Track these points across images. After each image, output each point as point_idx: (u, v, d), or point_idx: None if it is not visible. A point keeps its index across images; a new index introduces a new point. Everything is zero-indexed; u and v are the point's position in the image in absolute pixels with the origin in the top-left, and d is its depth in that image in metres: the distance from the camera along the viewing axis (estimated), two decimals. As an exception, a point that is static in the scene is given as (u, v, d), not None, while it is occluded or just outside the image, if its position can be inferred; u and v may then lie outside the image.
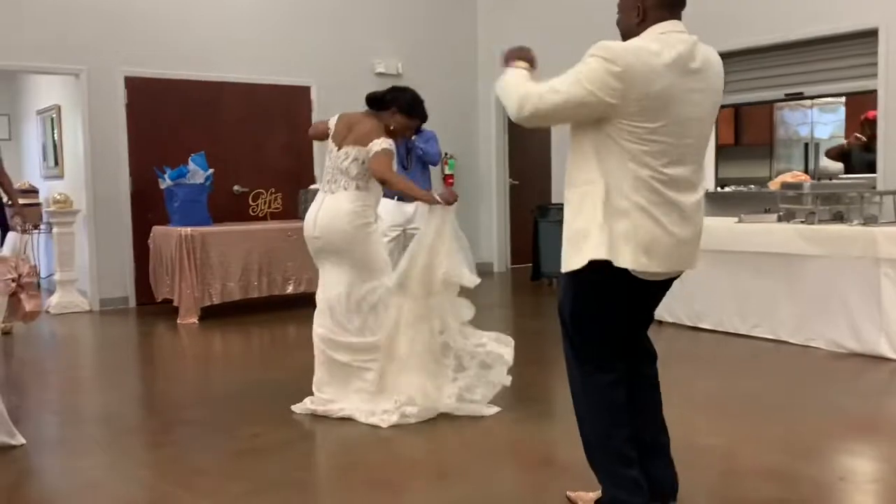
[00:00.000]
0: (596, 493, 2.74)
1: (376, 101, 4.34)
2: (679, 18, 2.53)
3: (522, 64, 2.68)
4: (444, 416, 3.98)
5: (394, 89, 4.39)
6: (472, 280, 4.00)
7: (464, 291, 4.08)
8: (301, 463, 3.44)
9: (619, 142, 2.45)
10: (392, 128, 4.25)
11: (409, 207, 6.74)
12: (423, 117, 4.45)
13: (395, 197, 6.62)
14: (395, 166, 4.22)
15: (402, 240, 6.83)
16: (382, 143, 4.09)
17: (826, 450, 3.49)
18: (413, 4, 9.56)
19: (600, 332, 2.63)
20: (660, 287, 2.67)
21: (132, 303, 7.94)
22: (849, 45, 6.77)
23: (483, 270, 10.69)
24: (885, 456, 3.49)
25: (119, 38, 7.77)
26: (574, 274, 2.55)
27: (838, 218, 5.53)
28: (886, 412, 4.19)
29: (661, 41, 2.44)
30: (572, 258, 2.54)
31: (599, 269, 2.47)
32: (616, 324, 2.63)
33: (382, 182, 4.14)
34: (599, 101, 2.39)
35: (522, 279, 9.36)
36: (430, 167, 6.86)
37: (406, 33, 9.53)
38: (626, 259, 2.46)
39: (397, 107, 4.28)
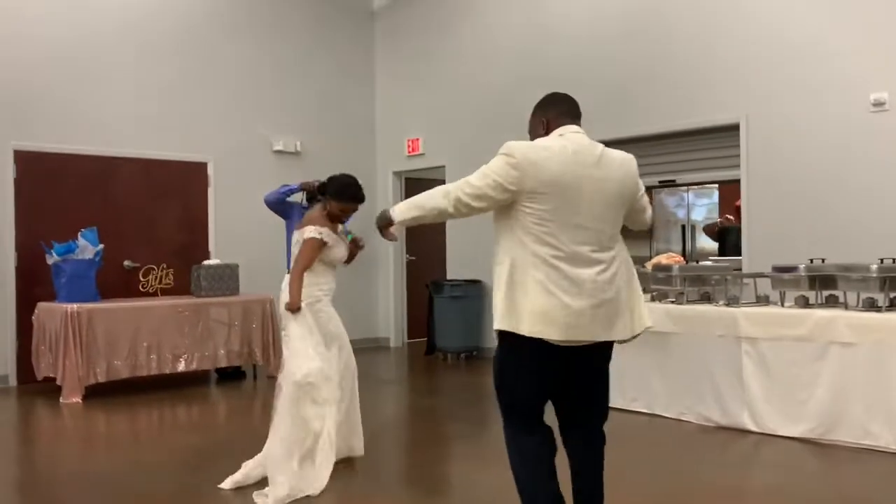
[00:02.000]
0: None
1: (319, 191, 4.89)
2: (577, 125, 3.04)
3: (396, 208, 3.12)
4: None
5: (329, 178, 4.82)
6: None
7: (360, 365, 4.74)
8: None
9: (522, 223, 2.87)
10: (331, 213, 4.71)
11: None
12: (355, 199, 4.78)
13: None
14: (313, 255, 4.64)
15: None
16: (305, 232, 4.59)
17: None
18: (311, 83, 9.79)
19: (519, 396, 2.96)
20: (586, 354, 2.94)
21: (12, 381, 7.66)
22: (715, 137, 7.33)
23: (380, 345, 10.80)
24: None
25: (9, 111, 7.69)
26: (501, 335, 2.92)
27: (705, 298, 5.92)
28: (748, 483, 4.46)
29: (557, 140, 2.94)
30: (499, 321, 2.88)
31: (513, 338, 2.85)
32: (532, 389, 2.95)
33: (293, 272, 4.66)
34: (501, 187, 2.85)
35: (418, 354, 9.49)
36: None
37: (304, 111, 9.74)
38: (525, 328, 2.80)
39: (329, 193, 4.71)
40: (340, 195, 4.70)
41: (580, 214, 2.85)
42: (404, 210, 3.05)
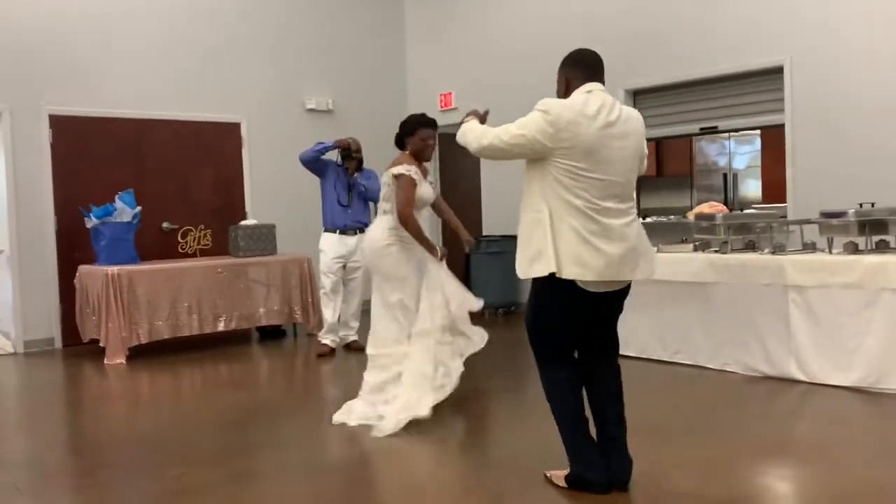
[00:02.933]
0: (566, 471, 3.40)
1: (400, 141, 4.96)
2: (600, 81, 3.27)
3: (475, 119, 3.55)
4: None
5: (401, 123, 4.97)
6: (477, 304, 4.90)
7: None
8: (225, 503, 3.45)
9: (556, 176, 3.15)
10: (414, 152, 4.84)
11: (352, 241, 6.96)
12: (431, 123, 4.90)
13: (338, 231, 6.93)
14: (411, 191, 4.69)
15: (342, 273, 7.01)
16: (394, 171, 4.71)
17: (739, 472, 3.63)
18: (342, 41, 9.68)
19: (553, 338, 3.32)
20: (609, 300, 3.29)
21: (58, 344, 7.79)
22: (758, 81, 7.11)
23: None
24: (795, 476, 3.67)
25: (43, 76, 7.71)
26: (535, 287, 3.27)
27: (750, 247, 5.78)
28: (796, 434, 4.38)
29: (585, 98, 3.18)
30: (532, 269, 3.19)
31: (552, 282, 3.15)
32: (565, 330, 3.30)
33: (401, 214, 4.68)
34: (535, 141, 3.14)
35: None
36: (371, 203, 7.08)
37: (336, 69, 9.64)
38: (568, 272, 3.12)
39: (407, 131, 4.88)
40: (418, 124, 4.84)
41: (609, 170, 3.14)
42: (467, 125, 3.47)
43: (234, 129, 8.86)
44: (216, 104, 8.70)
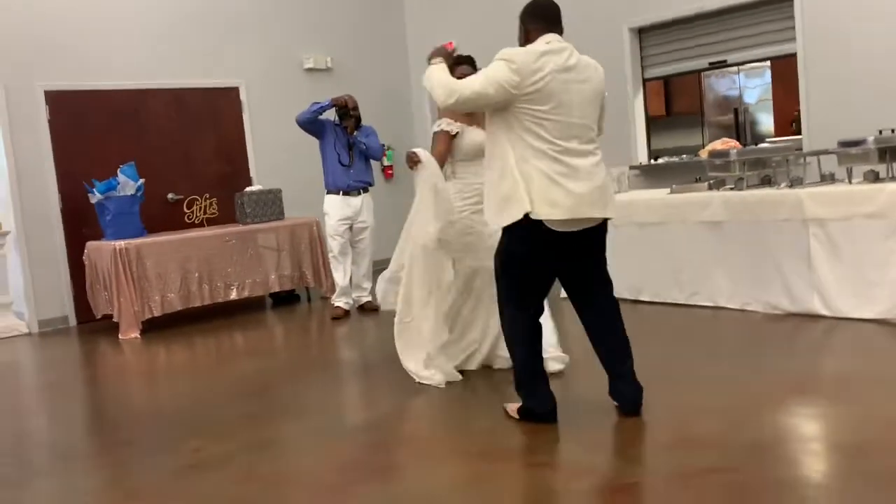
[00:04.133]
0: (519, 403, 3.61)
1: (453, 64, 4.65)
2: (558, 32, 3.43)
3: (440, 60, 3.58)
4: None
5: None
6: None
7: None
8: (243, 475, 3.39)
9: (521, 122, 3.30)
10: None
11: (356, 201, 6.85)
12: (459, 61, 4.32)
13: (341, 192, 6.81)
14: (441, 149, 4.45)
15: (349, 235, 6.91)
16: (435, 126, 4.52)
17: (764, 413, 3.54)
18: (342, 8, 9.46)
19: (523, 282, 3.45)
20: (582, 239, 3.39)
21: (72, 322, 7.77)
22: (767, 10, 6.89)
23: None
24: (822, 414, 3.58)
25: (35, 52, 7.56)
26: (507, 229, 3.38)
27: (766, 182, 5.63)
28: (821, 371, 4.29)
29: (545, 47, 3.35)
30: (503, 216, 3.34)
31: (523, 225, 3.28)
32: (535, 274, 3.44)
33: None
34: (502, 90, 3.28)
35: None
36: (373, 161, 7.04)
37: (334, 26, 9.44)
38: (540, 211, 3.25)
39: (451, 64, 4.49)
40: (454, 63, 4.36)
41: (571, 113, 3.30)
42: (431, 71, 3.52)
43: (232, 93, 8.71)
44: (213, 69, 8.54)
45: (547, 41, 3.38)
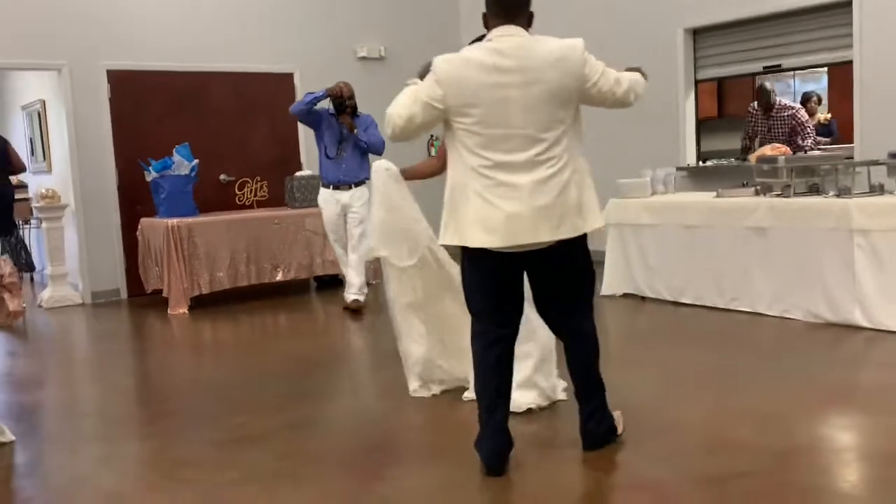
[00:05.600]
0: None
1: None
2: (515, 23, 2.94)
3: (414, 80, 3.09)
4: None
5: None
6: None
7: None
8: (284, 451, 3.52)
9: (458, 137, 2.95)
10: None
11: (345, 195, 6.60)
12: None
13: (331, 186, 6.60)
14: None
15: (343, 224, 6.68)
16: None
17: (797, 421, 3.57)
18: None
19: (475, 302, 3.11)
20: (537, 260, 3.00)
21: (123, 295, 8.02)
22: (824, 16, 6.81)
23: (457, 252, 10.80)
24: (857, 424, 3.59)
25: (100, 32, 7.79)
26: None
27: (814, 190, 5.60)
28: (859, 381, 4.28)
29: (481, 47, 2.97)
30: (440, 241, 3.10)
31: (464, 249, 3.02)
32: (485, 296, 3.08)
33: None
34: (428, 107, 2.93)
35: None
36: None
37: (388, 16, 9.53)
38: (469, 239, 2.94)
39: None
40: None
41: (509, 122, 2.86)
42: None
43: (287, 79, 8.87)
44: (269, 55, 8.70)
45: (489, 37, 2.97)
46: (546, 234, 2.90)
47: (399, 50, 9.51)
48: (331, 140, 6.59)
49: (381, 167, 3.92)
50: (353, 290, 6.69)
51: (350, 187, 6.61)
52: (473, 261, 3.04)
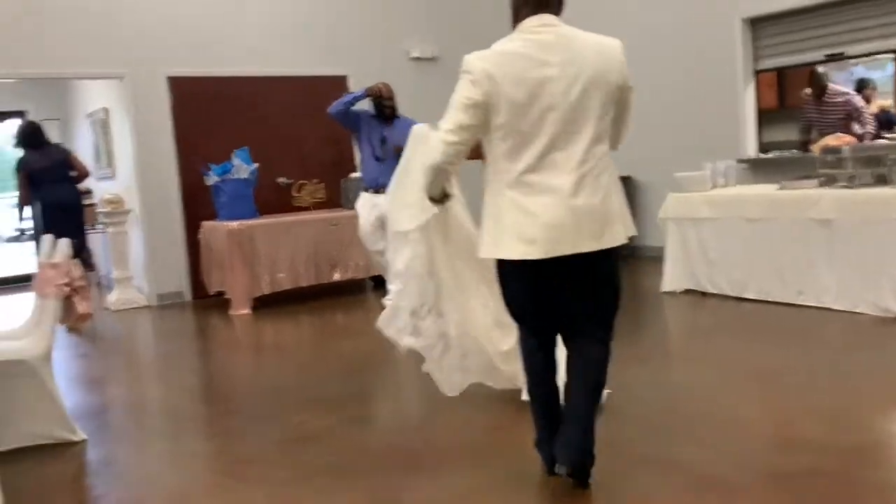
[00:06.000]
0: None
1: None
2: (551, 12, 2.74)
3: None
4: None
5: None
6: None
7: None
8: (344, 449, 3.56)
9: (492, 141, 2.73)
10: None
11: (383, 200, 5.98)
12: None
13: (370, 189, 6.25)
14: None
15: (380, 236, 6.16)
16: None
17: (868, 417, 3.47)
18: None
19: (514, 309, 2.97)
20: (575, 270, 2.75)
21: (187, 297, 8.19)
22: (889, 1, 6.60)
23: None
24: (927, 421, 3.48)
25: (160, 41, 7.97)
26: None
27: (881, 181, 5.43)
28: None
29: (515, 39, 2.74)
30: (480, 250, 2.87)
31: (501, 261, 2.84)
32: (525, 306, 2.92)
33: None
34: (474, 108, 2.67)
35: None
36: None
37: (439, 17, 9.55)
38: (506, 252, 2.75)
39: None
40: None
41: (550, 120, 2.65)
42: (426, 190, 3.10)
43: (340, 82, 8.93)
44: (323, 59, 8.79)
45: (522, 28, 2.75)
46: (588, 243, 2.70)
47: (451, 50, 9.48)
48: (377, 141, 6.39)
49: (421, 127, 3.75)
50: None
51: None
52: (510, 272, 2.85)
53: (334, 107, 6.35)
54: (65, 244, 4.01)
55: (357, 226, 6.42)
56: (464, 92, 2.69)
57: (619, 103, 2.77)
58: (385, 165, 6.13)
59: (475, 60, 2.72)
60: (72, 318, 3.95)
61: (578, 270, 2.77)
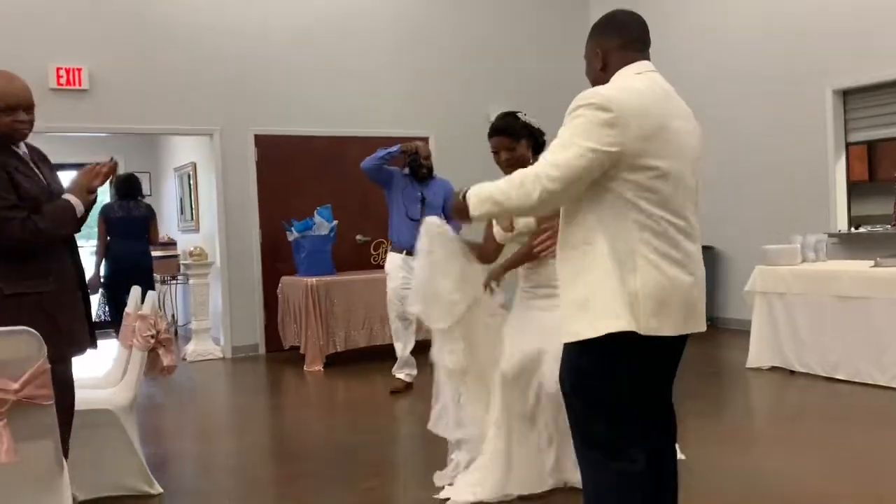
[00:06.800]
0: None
1: None
2: (647, 59, 2.38)
3: (474, 186, 2.36)
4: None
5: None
6: None
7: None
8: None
9: (618, 192, 2.20)
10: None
11: (415, 262, 5.89)
12: (490, 132, 3.85)
13: (404, 251, 5.97)
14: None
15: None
16: None
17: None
18: (525, 53, 9.65)
19: (620, 419, 2.29)
20: (669, 357, 2.39)
21: (262, 350, 8.26)
22: None
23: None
24: None
25: (248, 100, 8.21)
26: (581, 352, 2.26)
27: None
28: None
29: (640, 80, 2.30)
30: (577, 327, 2.24)
31: (613, 344, 2.20)
32: (632, 397, 2.29)
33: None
34: (601, 154, 2.15)
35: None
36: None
37: (520, 77, 9.61)
38: (640, 324, 2.19)
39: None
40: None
41: (681, 176, 2.25)
42: (480, 201, 2.30)
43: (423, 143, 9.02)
44: (406, 120, 8.91)
45: (637, 71, 2.32)
46: (700, 322, 2.35)
47: (531, 111, 9.51)
48: (412, 202, 6.10)
49: (433, 221, 3.67)
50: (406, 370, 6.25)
51: None
52: (630, 359, 2.25)
53: (368, 161, 6.07)
54: (152, 296, 4.06)
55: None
56: (593, 135, 2.15)
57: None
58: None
59: (613, 95, 2.20)
60: (156, 370, 3.98)
61: (676, 355, 2.42)
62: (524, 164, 3.43)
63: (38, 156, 3.29)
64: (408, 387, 6.22)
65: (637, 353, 2.24)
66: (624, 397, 2.28)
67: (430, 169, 6.23)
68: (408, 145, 6.09)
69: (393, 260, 6.13)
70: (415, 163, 6.16)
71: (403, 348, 6.21)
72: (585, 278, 2.23)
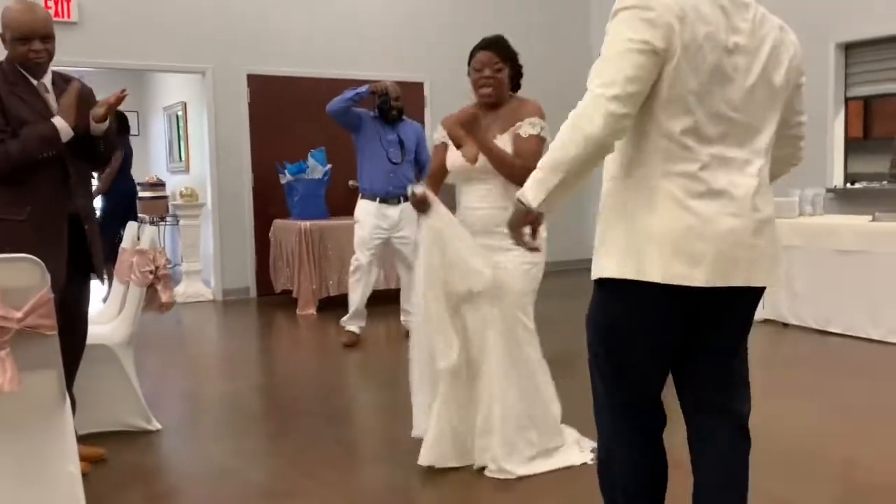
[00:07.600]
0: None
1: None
2: None
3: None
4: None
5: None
6: None
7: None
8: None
9: (648, 114, 1.89)
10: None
11: (394, 211, 5.76)
12: (475, 48, 3.63)
13: (377, 198, 5.80)
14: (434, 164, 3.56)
15: (381, 250, 5.91)
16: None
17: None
18: (526, 7, 9.49)
19: (632, 372, 2.05)
20: (722, 308, 1.99)
21: (253, 293, 8.21)
22: None
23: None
24: None
25: (242, 38, 8.03)
26: (602, 292, 2.03)
27: None
28: None
29: None
30: (593, 265, 2.02)
31: (631, 288, 1.92)
32: (652, 362, 2.04)
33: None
34: (652, 54, 1.82)
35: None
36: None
37: (517, 24, 9.44)
38: (657, 271, 1.88)
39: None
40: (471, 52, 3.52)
41: (732, 99, 1.90)
42: (535, 182, 1.92)
43: (417, 88, 8.91)
44: (401, 64, 8.77)
45: None
46: (761, 276, 1.95)
47: (527, 58, 9.41)
48: (391, 144, 5.83)
49: (421, 191, 3.37)
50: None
51: (399, 201, 5.69)
52: (648, 308, 1.95)
53: (335, 103, 5.73)
54: (152, 232, 3.99)
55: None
56: (638, 33, 1.83)
57: (790, 101, 2.07)
58: (401, 170, 5.75)
59: None
60: (154, 306, 3.93)
61: (732, 307, 2.01)
62: (502, 90, 3.42)
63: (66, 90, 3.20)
64: (358, 339, 5.99)
65: (660, 306, 1.94)
66: (635, 355, 2.02)
67: (401, 110, 5.96)
68: (377, 85, 5.78)
69: (366, 207, 5.81)
70: (385, 104, 5.88)
71: (361, 298, 5.91)
72: (606, 214, 2.00)
